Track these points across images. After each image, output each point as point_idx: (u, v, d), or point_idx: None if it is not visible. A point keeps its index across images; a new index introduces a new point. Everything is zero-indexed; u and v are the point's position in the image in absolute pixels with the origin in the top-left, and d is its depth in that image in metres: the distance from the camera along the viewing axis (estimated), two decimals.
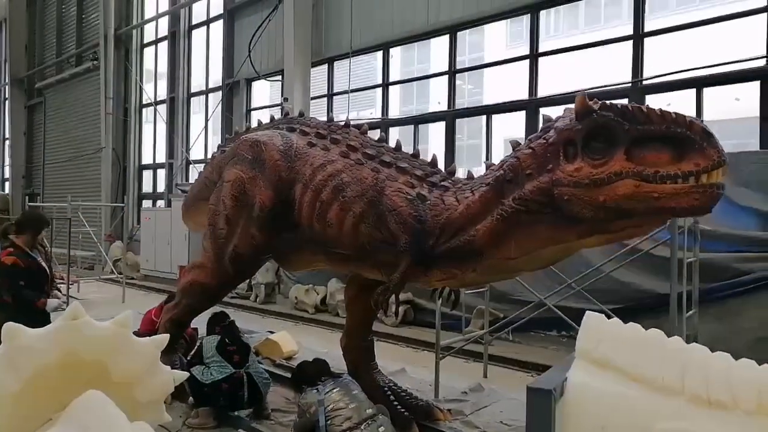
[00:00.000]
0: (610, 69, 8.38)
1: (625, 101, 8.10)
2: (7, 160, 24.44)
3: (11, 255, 4.91)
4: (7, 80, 23.90)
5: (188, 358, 5.01)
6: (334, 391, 3.93)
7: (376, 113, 11.59)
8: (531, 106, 9.12)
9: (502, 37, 10.52)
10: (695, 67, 7.46)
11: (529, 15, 9.27)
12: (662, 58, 7.91)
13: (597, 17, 9.51)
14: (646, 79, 7.98)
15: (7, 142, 24.36)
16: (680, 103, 7.79)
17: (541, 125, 3.18)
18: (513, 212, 3.09)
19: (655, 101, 8.02)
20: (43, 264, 5.18)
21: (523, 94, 9.25)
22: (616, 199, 2.65)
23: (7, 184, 24.19)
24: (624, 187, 2.61)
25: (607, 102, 2.77)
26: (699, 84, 7.49)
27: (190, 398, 4.85)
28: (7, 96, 24.15)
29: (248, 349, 5.04)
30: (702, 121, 2.62)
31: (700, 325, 5.83)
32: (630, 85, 8.13)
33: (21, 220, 5.38)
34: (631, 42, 8.15)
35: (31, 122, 23.40)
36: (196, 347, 4.90)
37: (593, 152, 2.74)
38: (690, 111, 7.60)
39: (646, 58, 8.04)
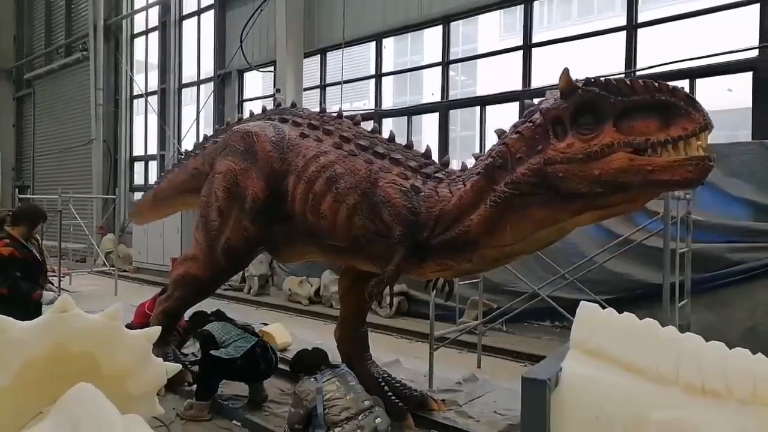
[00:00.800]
0: (603, 60, 8.38)
1: None
2: None
3: (8, 246, 4.87)
4: None
5: (201, 351, 4.90)
6: (332, 380, 3.92)
7: (370, 104, 11.54)
8: (525, 96, 9.07)
9: (495, 28, 10.48)
10: (688, 57, 7.47)
11: (522, 6, 9.24)
12: (655, 48, 7.92)
13: (590, 8, 9.49)
14: (640, 70, 7.98)
15: None
16: None
17: (525, 110, 3.22)
18: (506, 197, 3.10)
19: None
20: (38, 256, 5.14)
21: (517, 85, 9.23)
22: (611, 172, 2.68)
23: None
24: (618, 161, 2.65)
25: (591, 77, 2.81)
26: (692, 75, 7.51)
27: (185, 388, 4.84)
28: None
29: (250, 326, 5.14)
30: (682, 88, 2.66)
31: (692, 315, 5.87)
32: (623, 75, 8.12)
33: (18, 212, 5.34)
34: (624, 33, 8.14)
35: (20, 114, 23.15)
36: (201, 340, 4.85)
37: (582, 128, 2.78)
38: None
39: (640, 49, 8.04)
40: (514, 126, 3.18)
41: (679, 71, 7.57)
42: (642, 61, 8.01)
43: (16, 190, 17.27)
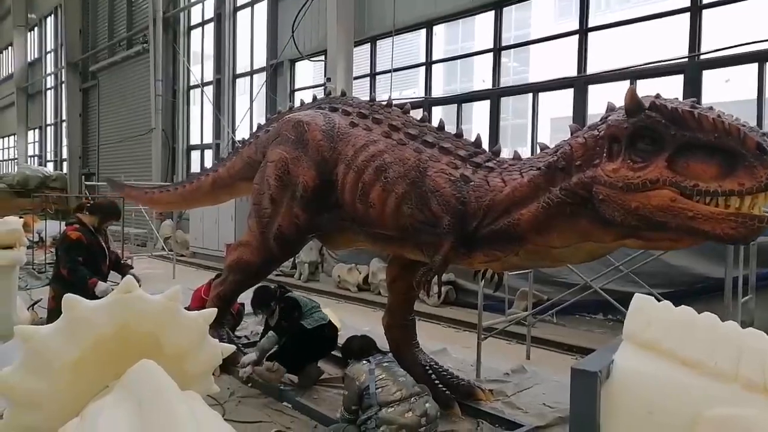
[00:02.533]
0: (664, 43, 8.00)
1: (680, 78, 7.79)
2: (65, 141, 25.51)
3: (77, 231, 5.16)
4: (63, 64, 24.84)
5: (284, 317, 5.16)
6: (383, 365, 3.98)
7: (419, 92, 11.48)
8: (579, 83, 8.83)
9: (550, 12, 10.17)
10: (757, 40, 7.03)
11: None
12: (721, 30, 7.49)
13: None
14: (704, 54, 7.59)
15: (64, 124, 25.41)
16: (740, 78, 7.39)
17: (604, 112, 3.02)
18: (558, 202, 3.00)
19: (713, 77, 7.63)
20: (104, 245, 5.41)
21: (572, 71, 8.96)
22: (649, 208, 2.52)
23: (65, 164, 25.29)
24: (659, 198, 2.48)
25: (658, 101, 2.59)
26: (761, 58, 7.07)
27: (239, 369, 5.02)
28: (63, 79, 25.13)
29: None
30: (762, 134, 2.39)
31: (756, 311, 5.59)
32: (686, 60, 7.75)
33: (96, 203, 5.64)
34: (688, 14, 7.75)
35: (86, 104, 24.31)
36: (286, 305, 5.16)
37: (637, 153, 2.60)
38: (751, 87, 7.20)
39: (704, 31, 7.63)
40: (588, 128, 3.03)
41: (747, 54, 7.15)
42: (707, 44, 7.60)
43: (83, 177, 18.17)
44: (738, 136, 2.34)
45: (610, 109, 2.94)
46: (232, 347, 2.74)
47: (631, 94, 2.64)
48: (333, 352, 5.37)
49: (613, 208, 2.66)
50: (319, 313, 5.19)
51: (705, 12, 7.64)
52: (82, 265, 5.07)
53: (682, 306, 1.68)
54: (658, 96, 2.68)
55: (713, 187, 2.35)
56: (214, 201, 6.58)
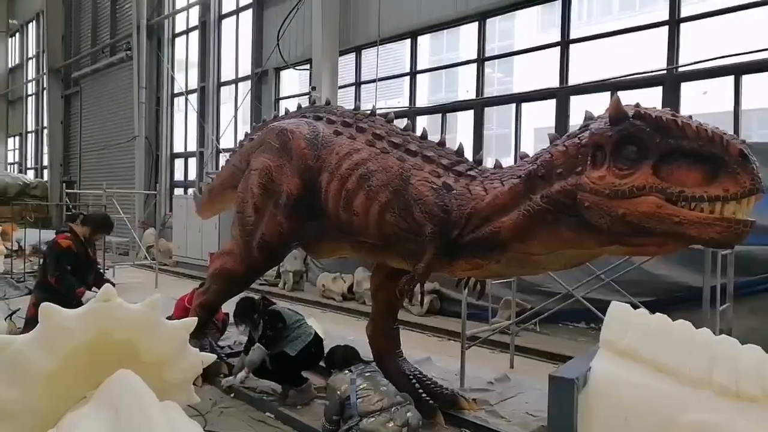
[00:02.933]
0: (644, 56, 8.16)
1: (659, 90, 7.94)
2: (46, 149, 25.18)
3: (68, 239, 5.13)
4: (45, 70, 24.57)
5: (268, 331, 5.03)
6: (365, 375, 3.97)
7: (404, 102, 11.54)
8: (562, 94, 8.96)
9: (533, 24, 10.32)
10: (733, 53, 7.20)
11: (561, 1, 9.08)
12: (699, 44, 7.67)
13: (631, 2, 9.25)
14: (682, 66, 7.75)
15: (46, 131, 25.09)
16: (718, 90, 7.55)
17: (582, 122, 3.08)
18: (539, 210, 3.03)
19: (691, 89, 7.79)
20: (92, 256, 5.39)
21: (554, 82, 9.09)
22: (636, 215, 2.55)
23: (45, 171, 24.95)
24: (646, 205, 2.51)
25: (642, 110, 2.64)
26: (737, 71, 7.25)
27: (223, 382, 4.96)
28: (45, 86, 24.85)
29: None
30: (743, 141, 2.46)
31: (734, 319, 5.67)
32: (665, 72, 7.91)
33: (90, 215, 5.62)
34: (666, 27, 7.92)
35: (68, 111, 24.06)
36: (268, 318, 5.02)
37: (622, 161, 2.63)
38: (728, 99, 7.36)
39: (682, 45, 7.80)
40: (567, 136, 3.06)
41: (724, 67, 7.32)
42: (685, 56, 7.77)
43: (64, 185, 17.95)
44: (721, 143, 2.40)
45: (588, 118, 2.98)
46: (213, 356, 2.73)
47: (616, 104, 2.69)
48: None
49: (599, 215, 2.69)
50: (303, 328, 5.06)
51: (683, 25, 7.81)
52: (70, 273, 5.03)
53: (658, 314, 1.71)
54: (638, 105, 2.73)
55: (699, 193, 2.40)
56: (213, 211, 6.50)
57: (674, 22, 7.84)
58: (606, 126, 2.74)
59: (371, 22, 11.61)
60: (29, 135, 29.04)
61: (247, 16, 15.35)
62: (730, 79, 7.32)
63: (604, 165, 2.70)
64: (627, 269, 5.90)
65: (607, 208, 2.65)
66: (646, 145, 2.56)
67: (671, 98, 7.73)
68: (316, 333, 5.06)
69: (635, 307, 1.71)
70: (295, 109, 5.32)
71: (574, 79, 8.91)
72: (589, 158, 2.78)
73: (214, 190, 5.95)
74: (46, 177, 24.58)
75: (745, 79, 7.25)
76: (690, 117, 2.65)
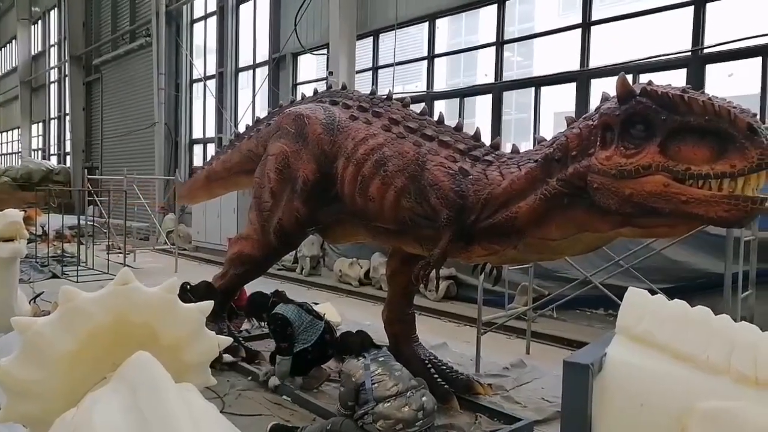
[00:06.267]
0: (668, 37, 7.95)
1: (683, 72, 7.75)
2: (68, 135, 25.56)
3: None
4: (66, 57, 24.84)
5: (276, 335, 4.97)
6: (378, 360, 3.98)
7: (422, 86, 11.45)
8: (582, 77, 8.79)
9: (553, 6, 10.11)
10: (761, 34, 6.98)
11: None
12: (725, 24, 7.44)
13: None
14: (707, 47, 7.54)
15: (68, 118, 25.44)
16: (744, 72, 7.34)
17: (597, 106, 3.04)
18: (556, 193, 3.00)
19: (716, 71, 7.59)
20: None
21: (575, 65, 8.91)
22: (642, 195, 2.51)
23: (68, 157, 25.34)
24: (652, 184, 2.47)
25: (649, 87, 2.57)
26: (765, 52, 7.02)
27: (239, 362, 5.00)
28: (66, 73, 25.13)
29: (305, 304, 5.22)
30: (754, 115, 2.37)
31: (756, 306, 5.58)
32: (690, 54, 7.70)
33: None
34: (692, 8, 7.69)
35: (89, 98, 24.34)
36: (276, 325, 4.88)
37: (630, 140, 2.59)
38: (755, 81, 7.16)
39: (708, 25, 7.58)
40: (583, 119, 3.03)
41: (751, 48, 7.10)
42: (711, 37, 7.55)
43: (86, 170, 18.22)
44: (728, 117, 2.33)
45: (604, 98, 2.94)
46: (230, 339, 2.75)
47: (622, 81, 2.64)
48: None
49: (607, 196, 2.66)
50: (314, 326, 4.87)
51: (709, 5, 7.58)
52: None
53: (676, 300, 1.68)
54: (650, 83, 2.67)
55: (705, 170, 2.34)
56: (209, 195, 6.58)
57: (699, 1, 7.61)
58: (615, 105, 2.71)
59: (389, 5, 11.49)
60: (52, 121, 29.48)
61: (264, 2, 15.30)
62: (758, 60, 7.11)
63: (613, 145, 2.67)
64: (646, 255, 5.83)
65: (614, 189, 2.62)
66: (652, 122, 2.52)
67: (696, 81, 7.53)
68: (327, 323, 4.98)
69: (653, 293, 1.68)
70: (312, 94, 5.31)
71: (595, 62, 8.73)
72: (599, 139, 2.75)
73: (217, 174, 5.90)
74: (68, 163, 24.97)
75: None
76: (702, 92, 2.58)
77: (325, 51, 12.79)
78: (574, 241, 3.18)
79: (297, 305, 5.02)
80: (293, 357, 4.75)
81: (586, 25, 8.83)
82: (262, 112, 15.12)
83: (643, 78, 7.78)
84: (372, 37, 12.31)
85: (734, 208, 2.29)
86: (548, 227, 3.14)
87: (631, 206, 2.59)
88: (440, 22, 11.23)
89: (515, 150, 3.70)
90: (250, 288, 5.71)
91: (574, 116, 3.20)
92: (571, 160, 2.92)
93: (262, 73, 15.36)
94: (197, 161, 18.46)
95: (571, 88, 8.97)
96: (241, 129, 6.42)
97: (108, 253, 11.39)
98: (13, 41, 32.76)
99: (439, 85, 11.35)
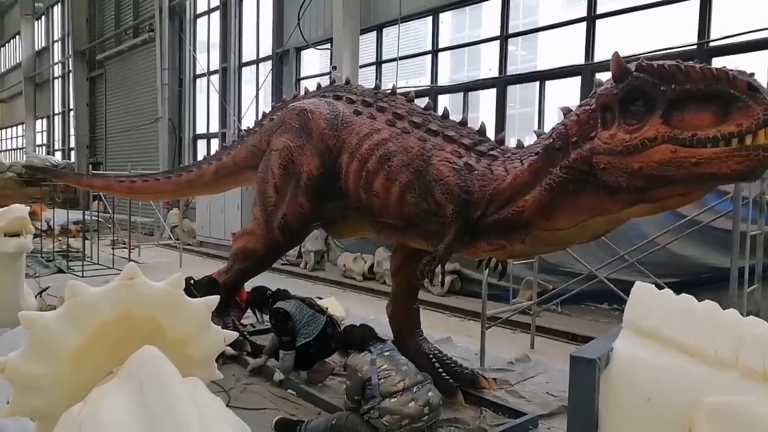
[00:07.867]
0: (674, 30, 7.90)
1: None
2: (72, 131, 25.61)
3: None
4: (70, 53, 24.87)
5: (277, 330, 4.99)
6: (384, 355, 3.98)
7: (426, 81, 11.41)
8: (587, 71, 8.74)
9: None
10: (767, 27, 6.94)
11: None
12: (731, 17, 7.38)
13: None
14: (714, 41, 7.49)
15: (72, 113, 25.49)
16: (751, 66, 7.29)
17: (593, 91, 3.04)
18: (561, 181, 3.00)
19: (722, 64, 7.52)
20: None
21: (579, 59, 8.87)
22: (652, 166, 2.50)
23: (72, 153, 25.41)
24: (660, 153, 2.45)
25: (644, 62, 2.57)
26: None
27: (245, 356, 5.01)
28: (70, 68, 25.18)
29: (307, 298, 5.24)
30: (752, 74, 2.37)
31: (762, 301, 5.57)
32: (696, 47, 7.65)
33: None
34: (698, 0, 7.64)
35: (93, 93, 24.38)
36: (277, 319, 4.90)
37: (631, 116, 2.58)
38: (761, 74, 7.10)
39: (714, 18, 7.52)
40: (579, 106, 3.03)
41: (758, 41, 7.04)
42: (717, 30, 7.50)
43: (90, 166, 18.27)
44: (727, 79, 2.33)
45: (598, 85, 2.94)
46: (235, 333, 2.76)
47: (616, 60, 2.63)
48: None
49: (616, 174, 2.65)
50: (315, 320, 4.88)
51: None
52: None
53: (683, 294, 1.68)
54: (642, 60, 2.67)
55: (712, 133, 2.33)
56: (217, 190, 6.56)
57: None
58: (611, 85, 2.71)
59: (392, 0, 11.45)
60: (56, 117, 29.55)
61: None
62: (765, 53, 7.05)
63: (614, 124, 2.67)
64: (652, 250, 5.81)
65: (622, 166, 2.62)
66: (652, 96, 2.52)
67: None
68: (330, 317, 4.99)
69: (659, 287, 1.68)
70: (315, 88, 5.30)
71: (600, 56, 8.68)
72: (599, 121, 2.74)
73: (227, 169, 5.87)
74: (73, 158, 25.04)
75: None
76: (696, 61, 2.58)
77: (328, 46, 12.77)
78: (583, 229, 3.18)
79: (299, 300, 5.05)
80: (299, 352, 4.76)
81: (591, 18, 8.78)
82: (265, 106, 15.11)
83: None
84: (375, 32, 12.28)
85: (747, 159, 2.27)
86: (556, 217, 3.14)
87: (641, 180, 2.58)
88: (444, 16, 11.19)
89: (520, 145, 3.69)
90: (254, 282, 5.72)
91: (567, 107, 3.19)
92: (572, 146, 2.92)
93: (266, 68, 15.35)
94: (201, 156, 18.43)
95: (575, 82, 8.93)
96: (245, 124, 6.41)
97: (113, 248, 11.43)
98: (17, 37, 32.83)
99: (443, 80, 11.31)
